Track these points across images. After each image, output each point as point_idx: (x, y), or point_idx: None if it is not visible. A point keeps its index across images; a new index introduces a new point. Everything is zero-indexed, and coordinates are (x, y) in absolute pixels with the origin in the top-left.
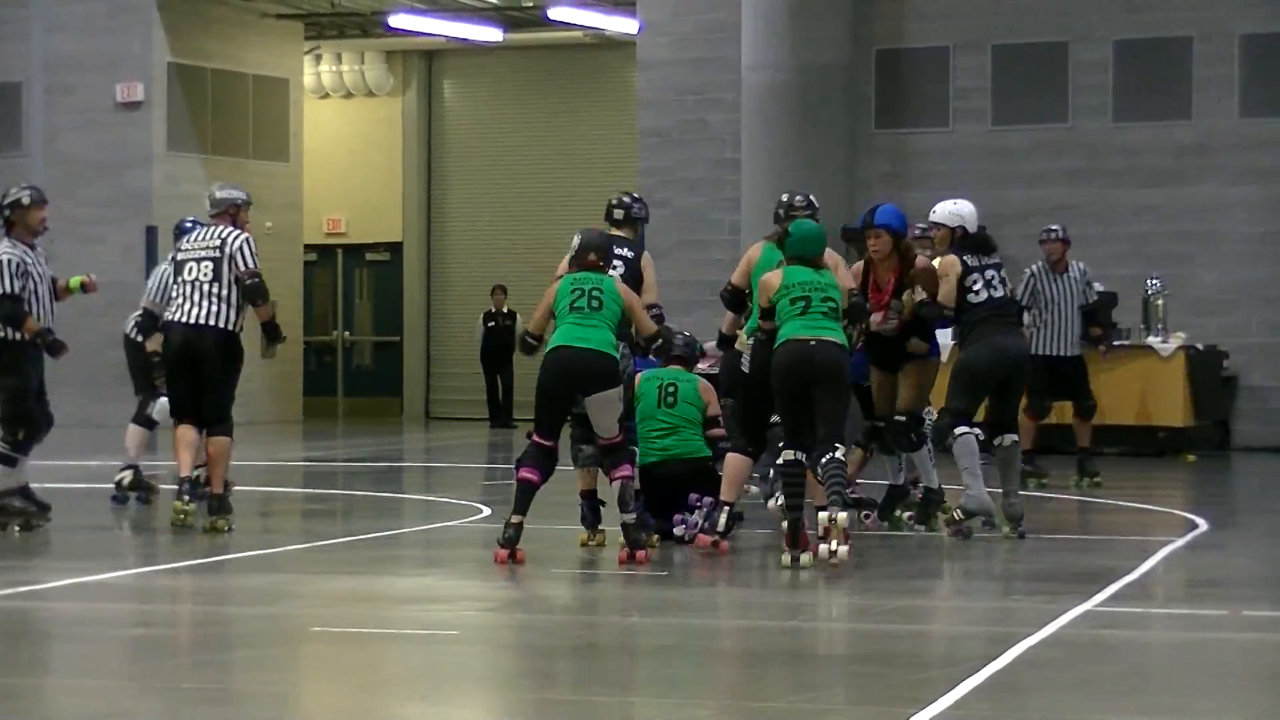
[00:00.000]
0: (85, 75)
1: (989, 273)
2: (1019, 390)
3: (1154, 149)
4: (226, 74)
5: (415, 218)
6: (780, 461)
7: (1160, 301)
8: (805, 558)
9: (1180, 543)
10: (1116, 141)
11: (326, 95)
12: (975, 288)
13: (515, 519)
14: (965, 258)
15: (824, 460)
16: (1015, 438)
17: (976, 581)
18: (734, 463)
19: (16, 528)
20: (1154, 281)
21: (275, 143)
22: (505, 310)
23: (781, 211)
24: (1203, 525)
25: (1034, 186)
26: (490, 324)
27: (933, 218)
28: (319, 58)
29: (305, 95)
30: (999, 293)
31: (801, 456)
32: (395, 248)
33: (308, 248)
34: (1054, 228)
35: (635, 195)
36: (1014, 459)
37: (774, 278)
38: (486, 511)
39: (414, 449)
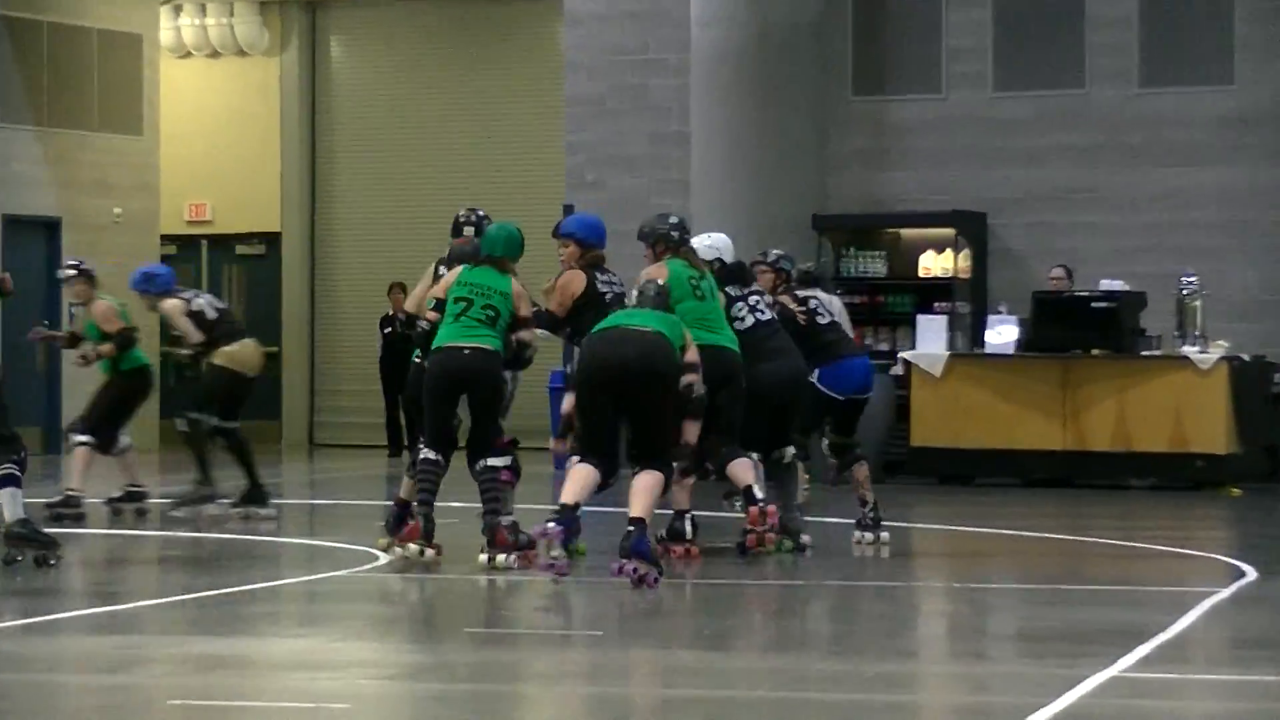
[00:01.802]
0: None
1: (753, 298)
2: (796, 409)
3: (1184, 121)
4: (66, 28)
5: (296, 203)
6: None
7: (1197, 304)
8: (500, 558)
9: (1223, 594)
10: (1140, 111)
11: (188, 54)
12: (741, 314)
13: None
14: (728, 289)
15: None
16: (794, 451)
17: (978, 641)
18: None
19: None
20: (1189, 280)
21: (125, 112)
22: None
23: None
24: (1250, 573)
25: (1039, 165)
26: (388, 330)
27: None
28: (179, 9)
29: (162, 54)
30: (765, 316)
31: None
32: (272, 239)
33: (165, 239)
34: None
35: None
36: (793, 474)
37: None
38: (382, 559)
39: (295, 482)
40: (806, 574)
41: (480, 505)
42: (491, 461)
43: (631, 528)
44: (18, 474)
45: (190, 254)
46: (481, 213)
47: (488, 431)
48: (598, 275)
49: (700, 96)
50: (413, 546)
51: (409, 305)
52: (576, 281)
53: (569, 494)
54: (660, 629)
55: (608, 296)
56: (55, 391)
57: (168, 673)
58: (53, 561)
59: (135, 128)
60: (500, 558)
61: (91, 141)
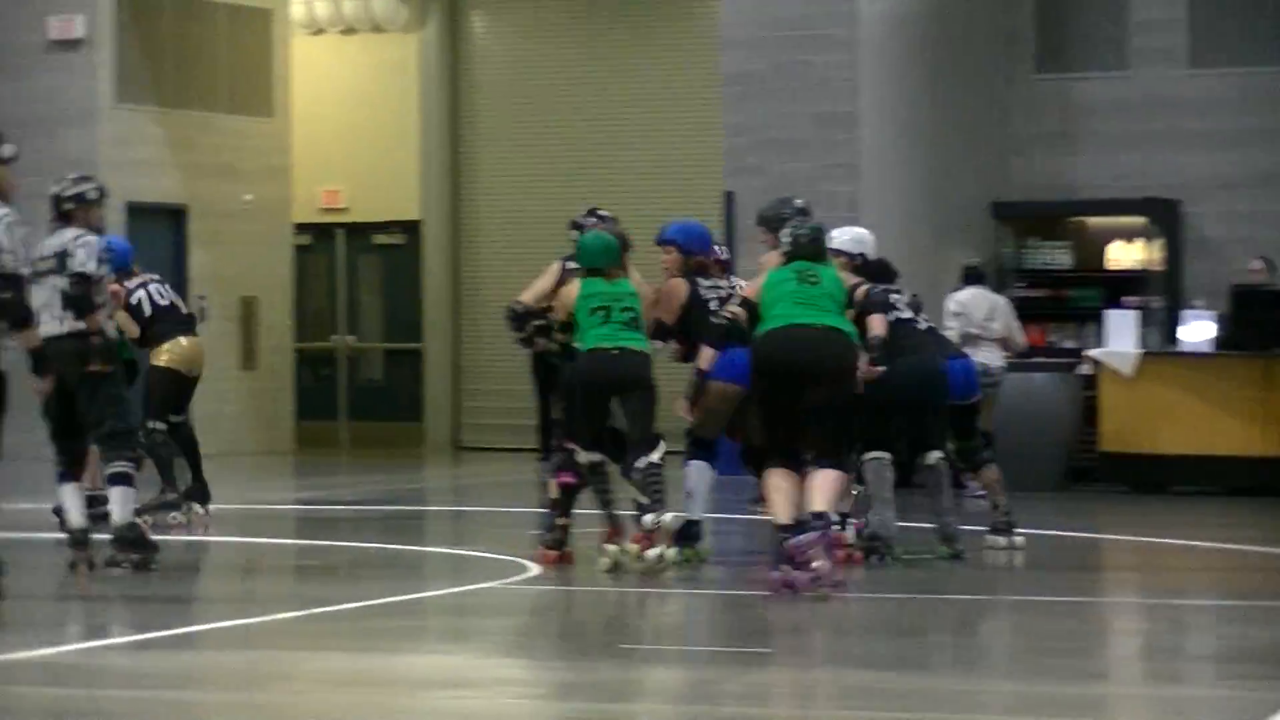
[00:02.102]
0: (7, 6)
1: (893, 296)
2: (931, 409)
3: None
4: (192, 4)
5: (437, 189)
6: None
7: None
8: (613, 550)
9: None
10: None
11: (321, 31)
12: (900, 307)
13: (561, 521)
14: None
15: (640, 464)
16: (939, 454)
17: (1174, 662)
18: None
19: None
20: None
21: (254, 92)
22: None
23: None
24: None
25: (1239, 148)
26: (538, 323)
27: (833, 244)
28: None
29: (293, 31)
30: (905, 315)
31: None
32: (412, 228)
33: (298, 228)
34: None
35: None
36: (940, 478)
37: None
38: (532, 570)
39: (439, 489)
40: (975, 586)
41: (640, 502)
42: (654, 457)
43: (813, 519)
44: (131, 473)
45: (325, 244)
46: (603, 212)
47: (647, 430)
48: (700, 281)
49: (869, 74)
50: (612, 547)
51: (526, 296)
52: (680, 290)
53: (818, 502)
54: (831, 646)
55: (712, 303)
56: None
57: (305, 689)
58: (153, 568)
59: (265, 109)
60: (669, 553)
61: (218, 124)
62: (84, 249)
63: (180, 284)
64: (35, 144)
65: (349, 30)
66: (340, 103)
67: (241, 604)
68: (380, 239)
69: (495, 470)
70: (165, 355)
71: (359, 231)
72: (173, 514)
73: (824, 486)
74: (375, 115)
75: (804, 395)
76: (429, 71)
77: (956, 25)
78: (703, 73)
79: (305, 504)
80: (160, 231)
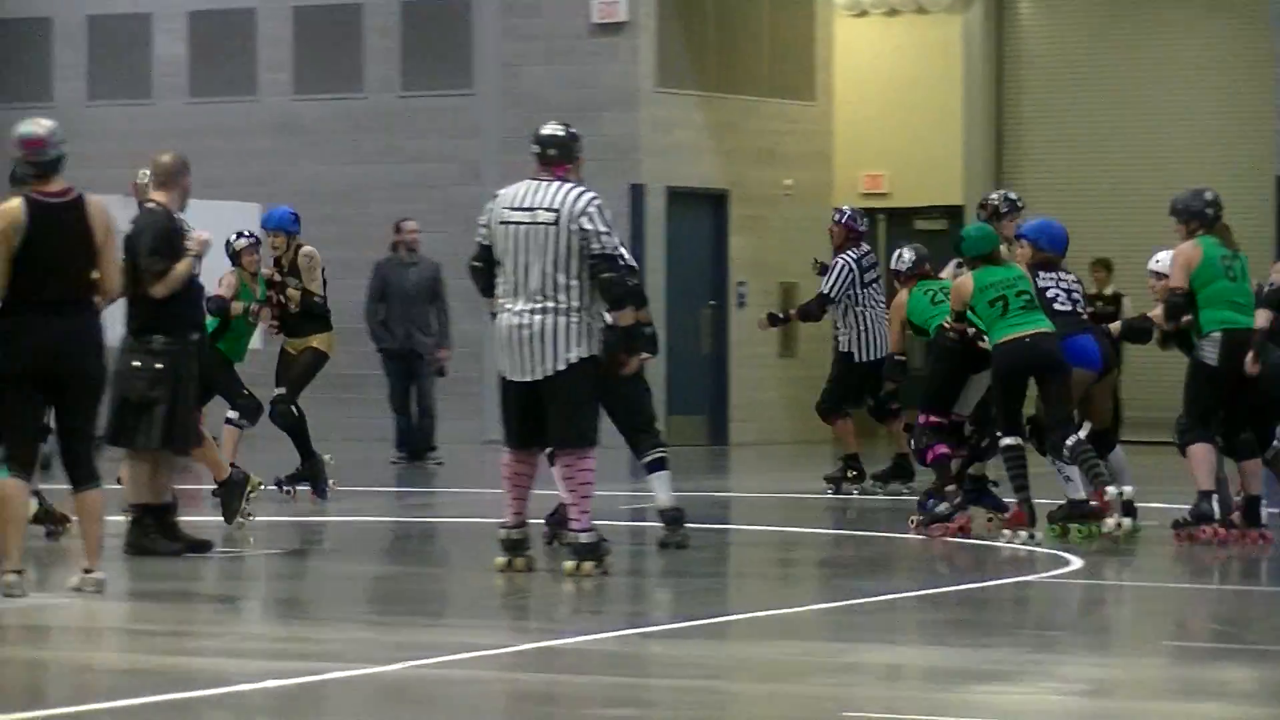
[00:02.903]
0: None
1: None
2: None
3: None
4: None
5: (980, 174)
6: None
7: None
8: (1035, 534)
9: None
10: None
11: (864, 13)
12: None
13: (951, 490)
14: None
15: (1070, 443)
16: None
17: None
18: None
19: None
20: None
21: (798, 76)
22: (1109, 293)
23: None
24: None
25: None
26: (1090, 309)
27: (1154, 266)
28: None
29: (836, 13)
30: None
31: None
32: (954, 213)
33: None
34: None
35: None
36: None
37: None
38: (1074, 563)
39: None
40: None
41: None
42: (1081, 434)
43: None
44: (665, 458)
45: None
46: (1013, 196)
47: (1066, 410)
48: (1039, 274)
49: None
50: (1022, 533)
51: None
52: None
53: (1203, 480)
54: None
55: (1053, 298)
56: (722, 378)
57: (841, 682)
58: (686, 546)
59: (807, 93)
60: (1125, 522)
61: (760, 108)
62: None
63: (720, 269)
64: (577, 128)
65: (892, 12)
66: (883, 86)
67: (777, 593)
68: (921, 224)
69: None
70: (326, 340)
71: (900, 216)
72: (286, 487)
73: None
74: (917, 98)
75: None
76: (972, 53)
77: None
78: (1251, 52)
79: (839, 495)
80: (700, 216)
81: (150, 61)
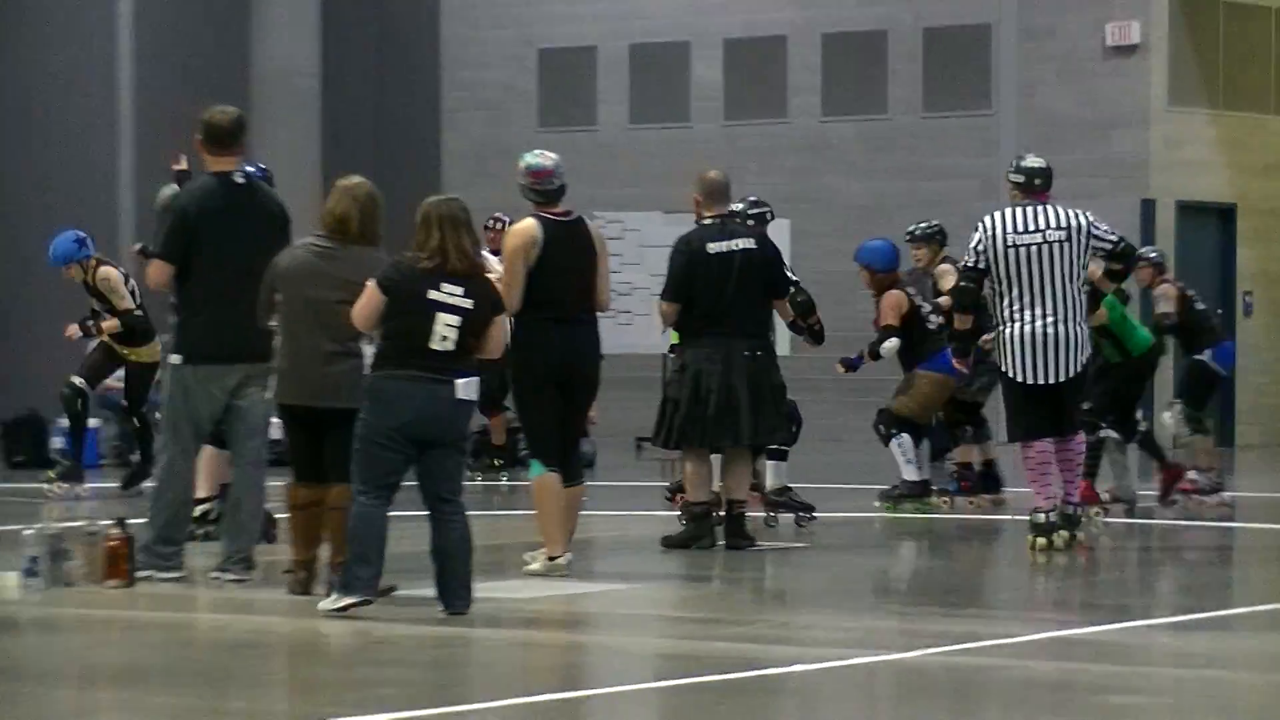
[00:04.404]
0: (1067, 15)
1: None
2: None
3: None
4: (1242, 7)
5: None
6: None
7: None
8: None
9: None
10: None
11: None
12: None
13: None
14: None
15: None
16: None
17: None
18: None
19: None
20: None
21: None
22: None
23: None
24: None
25: None
26: None
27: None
28: None
29: None
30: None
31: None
32: None
33: None
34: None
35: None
36: None
37: None
38: None
39: None
40: None
41: None
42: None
43: None
44: (786, 450)
45: None
46: None
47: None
48: None
49: None
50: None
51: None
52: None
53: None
54: None
55: None
56: (1229, 382)
57: None
58: (810, 520)
59: None
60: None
61: (1268, 124)
62: None
63: (1227, 280)
64: (1087, 146)
65: None
66: None
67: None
68: None
69: None
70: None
71: None
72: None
73: None
74: None
75: None
76: None
77: None
78: None
79: None
80: (1208, 230)
81: (688, 86)
